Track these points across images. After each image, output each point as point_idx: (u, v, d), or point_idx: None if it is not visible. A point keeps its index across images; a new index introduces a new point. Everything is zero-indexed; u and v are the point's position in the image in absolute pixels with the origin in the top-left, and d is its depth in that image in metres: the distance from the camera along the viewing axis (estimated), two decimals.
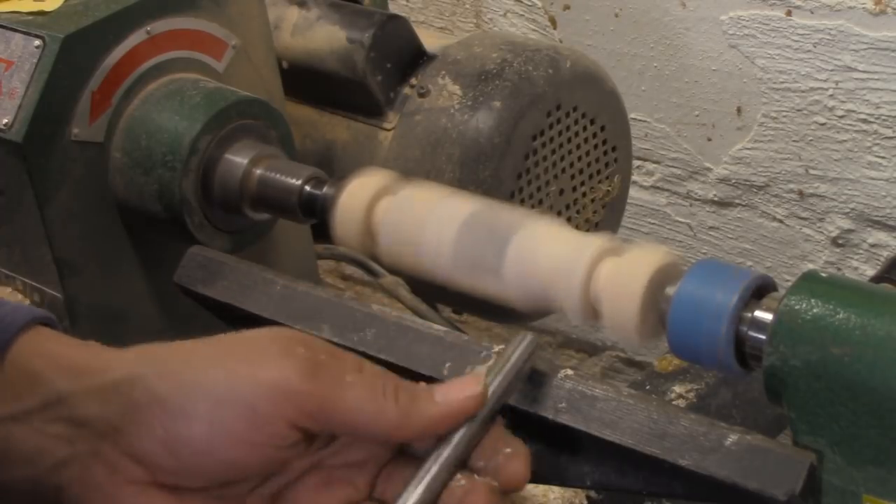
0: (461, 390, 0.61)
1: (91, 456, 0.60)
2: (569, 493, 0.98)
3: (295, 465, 0.61)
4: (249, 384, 0.58)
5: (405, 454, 0.63)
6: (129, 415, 0.59)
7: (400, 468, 0.62)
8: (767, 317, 0.63)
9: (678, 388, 1.07)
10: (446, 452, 0.60)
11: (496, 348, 0.67)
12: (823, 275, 0.63)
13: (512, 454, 0.61)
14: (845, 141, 1.31)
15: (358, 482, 0.62)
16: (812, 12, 1.27)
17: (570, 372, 0.66)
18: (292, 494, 0.62)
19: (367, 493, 0.62)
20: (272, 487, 0.61)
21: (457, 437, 0.61)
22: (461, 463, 0.61)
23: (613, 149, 1.10)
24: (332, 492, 0.62)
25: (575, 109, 1.05)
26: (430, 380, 0.70)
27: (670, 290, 0.67)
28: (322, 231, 0.86)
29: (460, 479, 0.60)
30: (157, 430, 0.58)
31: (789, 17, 1.29)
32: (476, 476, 0.61)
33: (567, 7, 1.47)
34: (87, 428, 0.60)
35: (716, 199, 1.46)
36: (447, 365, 0.70)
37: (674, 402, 1.05)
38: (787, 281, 0.66)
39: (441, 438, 0.61)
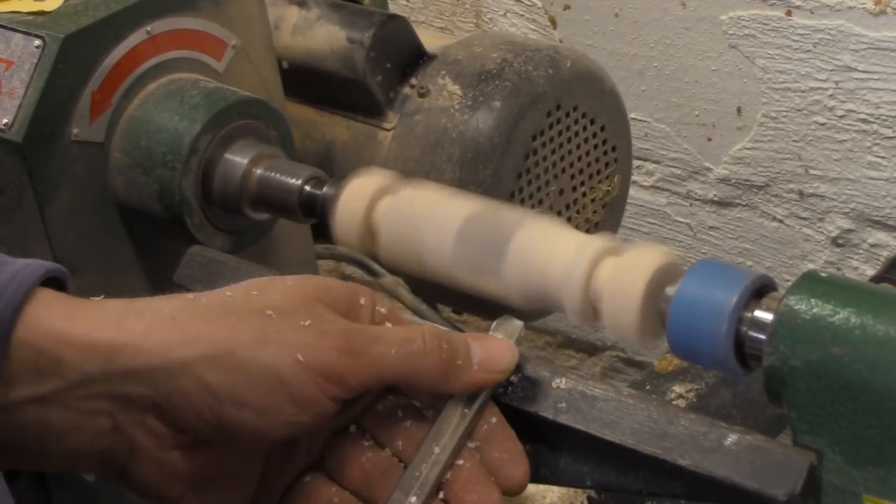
0: (496, 360, 0.64)
1: (134, 425, 0.61)
2: (569, 493, 0.98)
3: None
4: (295, 369, 0.59)
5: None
6: (175, 397, 0.60)
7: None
8: (767, 317, 0.63)
9: (678, 388, 1.07)
10: (444, 442, 0.63)
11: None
12: (823, 275, 0.63)
13: (511, 459, 0.63)
14: (845, 141, 1.31)
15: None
16: (812, 12, 1.27)
17: (569, 372, 0.66)
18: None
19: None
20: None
21: (453, 425, 0.63)
22: (458, 450, 0.63)
23: (613, 149, 1.10)
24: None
25: (575, 109, 1.05)
26: None
27: (670, 290, 0.67)
28: (322, 231, 0.86)
29: (462, 462, 0.62)
30: (206, 414, 0.60)
31: (789, 17, 1.29)
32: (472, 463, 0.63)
33: (567, 7, 1.47)
34: (129, 403, 0.60)
35: (716, 199, 1.46)
36: None
37: (674, 402, 1.05)
38: (787, 281, 0.66)
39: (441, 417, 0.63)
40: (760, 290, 0.65)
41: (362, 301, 0.64)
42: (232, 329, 0.60)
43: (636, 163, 1.48)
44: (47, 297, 0.61)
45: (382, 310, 0.64)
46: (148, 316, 0.61)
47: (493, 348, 0.64)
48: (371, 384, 0.61)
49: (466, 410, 0.63)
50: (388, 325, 0.64)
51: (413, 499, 0.61)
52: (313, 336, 0.60)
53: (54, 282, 0.63)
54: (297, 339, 0.60)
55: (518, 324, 0.66)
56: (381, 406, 0.65)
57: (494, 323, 0.68)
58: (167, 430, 0.61)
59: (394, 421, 0.64)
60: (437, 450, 0.62)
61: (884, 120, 1.27)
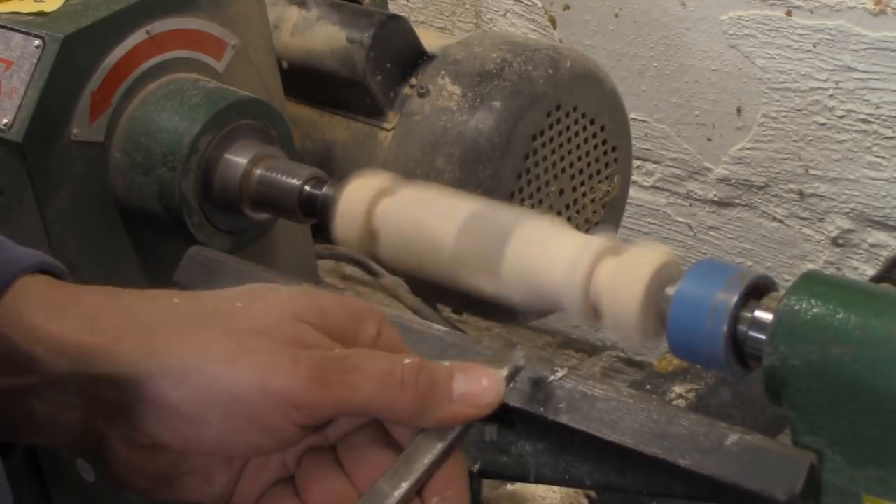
0: (479, 396, 0.61)
1: (104, 423, 0.60)
2: (569, 493, 0.98)
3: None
4: (260, 395, 0.58)
5: None
6: (141, 408, 0.59)
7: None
8: (767, 317, 0.63)
9: (678, 388, 1.07)
10: (413, 473, 0.59)
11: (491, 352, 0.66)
12: (823, 275, 0.63)
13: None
14: (845, 141, 1.31)
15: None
16: (812, 12, 1.27)
17: (569, 372, 0.66)
18: None
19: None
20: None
21: (425, 458, 0.60)
22: (423, 481, 0.60)
23: (613, 149, 1.10)
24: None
25: (575, 109, 1.05)
26: None
27: (670, 290, 0.67)
28: (322, 231, 0.86)
29: None
30: (171, 426, 0.59)
31: (789, 17, 1.29)
32: None
33: (567, 7, 1.47)
34: (99, 403, 0.60)
35: (716, 199, 1.46)
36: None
37: (674, 402, 1.05)
38: (787, 281, 0.66)
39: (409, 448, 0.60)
40: (760, 290, 0.65)
41: (368, 326, 0.62)
42: (203, 344, 0.59)
43: (636, 163, 1.48)
44: (32, 288, 0.60)
45: (389, 336, 0.62)
46: (125, 319, 0.60)
47: (478, 382, 0.61)
48: (341, 414, 0.60)
49: (439, 443, 0.60)
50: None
51: None
52: (285, 361, 0.58)
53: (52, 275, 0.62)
54: (266, 363, 0.58)
55: (518, 354, 0.64)
56: (357, 434, 0.62)
57: (493, 350, 0.66)
58: (134, 432, 0.60)
59: (365, 451, 0.61)
60: (403, 483, 0.59)
61: (884, 120, 1.27)
